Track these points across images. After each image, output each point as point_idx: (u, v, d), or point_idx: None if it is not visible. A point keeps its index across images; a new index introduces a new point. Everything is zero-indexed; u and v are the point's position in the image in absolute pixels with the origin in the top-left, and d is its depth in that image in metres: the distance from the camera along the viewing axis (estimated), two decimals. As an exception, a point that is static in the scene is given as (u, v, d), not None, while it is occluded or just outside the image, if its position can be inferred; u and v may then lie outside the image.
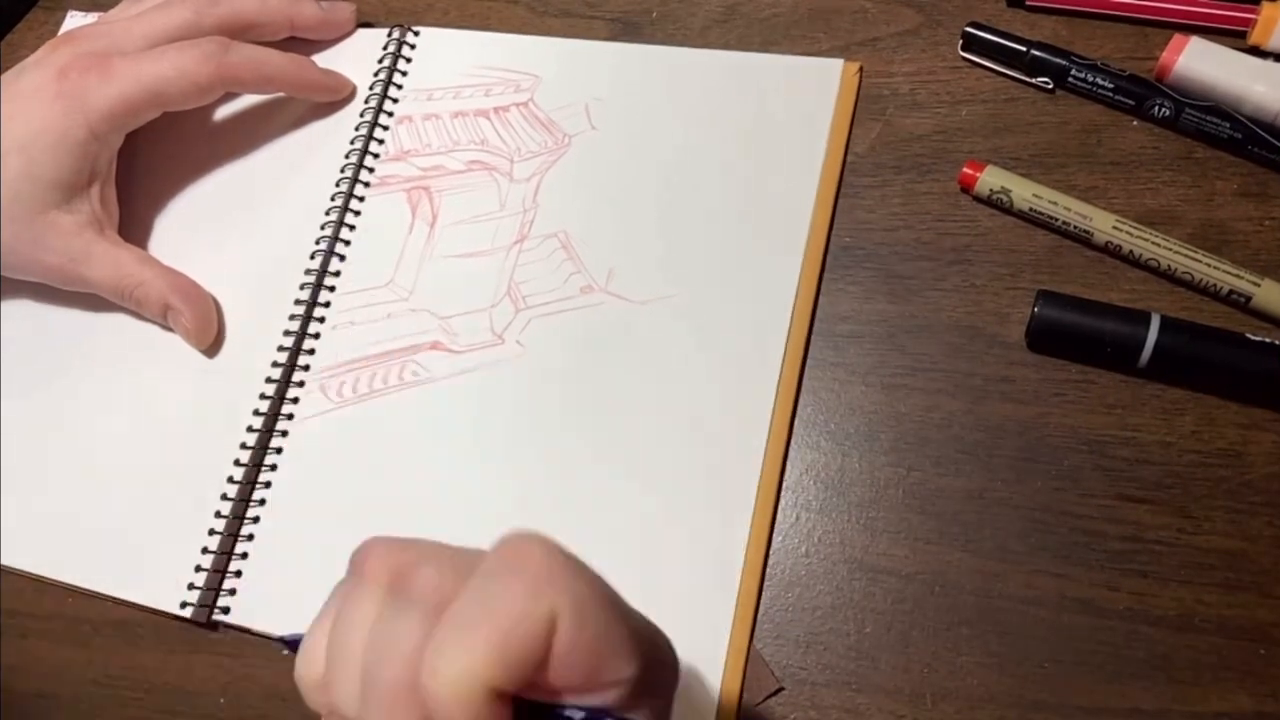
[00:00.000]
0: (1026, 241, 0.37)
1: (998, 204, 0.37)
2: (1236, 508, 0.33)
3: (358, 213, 0.43)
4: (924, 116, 0.40)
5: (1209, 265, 0.34)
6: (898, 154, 0.40)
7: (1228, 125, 0.36)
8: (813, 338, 0.37)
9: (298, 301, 0.42)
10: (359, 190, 0.43)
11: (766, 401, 0.36)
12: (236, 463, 0.39)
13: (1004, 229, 0.38)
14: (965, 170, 0.38)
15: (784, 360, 0.37)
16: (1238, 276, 0.34)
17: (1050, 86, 0.39)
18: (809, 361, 0.37)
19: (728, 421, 0.36)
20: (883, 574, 0.34)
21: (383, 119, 0.45)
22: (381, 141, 0.44)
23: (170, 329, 0.42)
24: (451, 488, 0.38)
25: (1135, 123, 0.38)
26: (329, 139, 0.45)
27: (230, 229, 0.44)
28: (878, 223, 0.39)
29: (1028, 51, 0.39)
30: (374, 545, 0.23)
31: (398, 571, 0.22)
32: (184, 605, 0.37)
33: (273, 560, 0.38)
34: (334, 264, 0.42)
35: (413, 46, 0.46)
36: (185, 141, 0.46)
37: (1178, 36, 0.37)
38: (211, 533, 0.38)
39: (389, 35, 0.46)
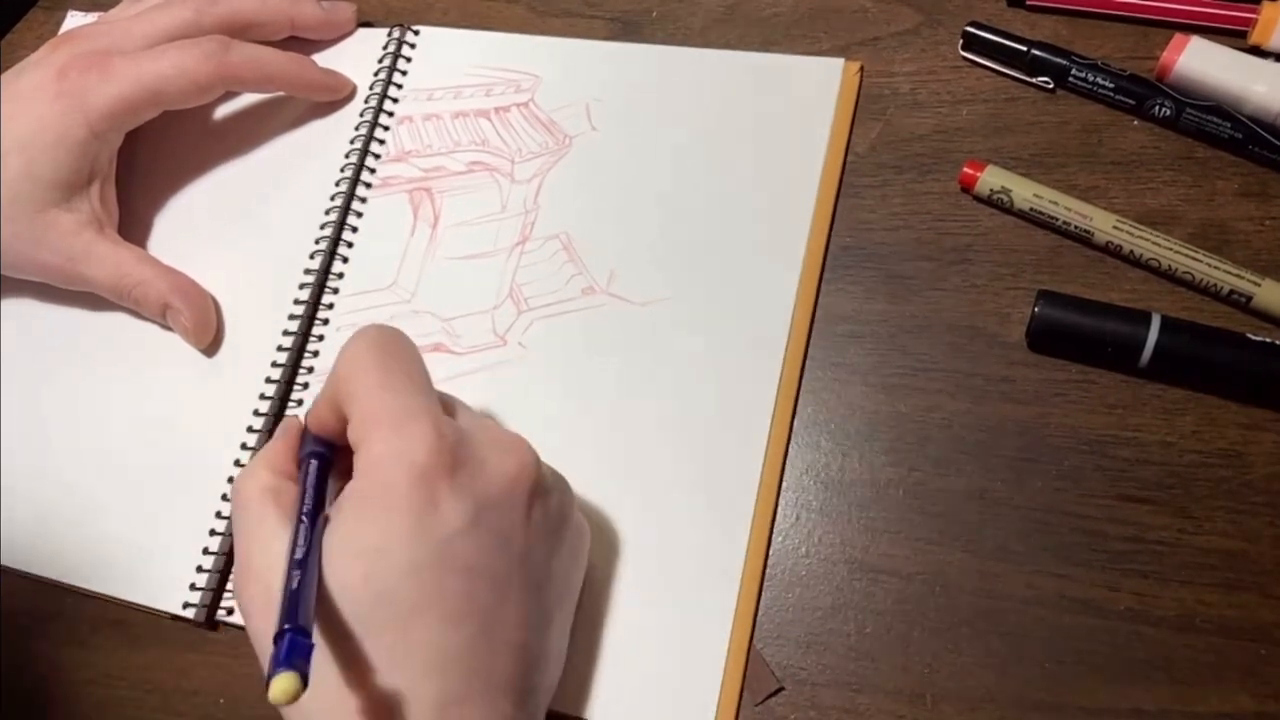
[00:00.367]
0: (1027, 241, 0.37)
1: (998, 204, 0.37)
2: (1237, 508, 0.33)
3: (360, 214, 0.43)
4: (924, 116, 0.40)
5: (1210, 265, 0.34)
6: (898, 154, 0.40)
7: (1228, 125, 0.36)
8: (813, 338, 0.37)
9: (298, 302, 0.42)
10: (361, 191, 0.43)
11: (767, 402, 0.36)
12: (236, 463, 0.39)
13: (1004, 229, 0.38)
14: (965, 170, 0.38)
15: (784, 360, 0.37)
16: (1238, 276, 0.34)
17: (1051, 86, 0.39)
18: (809, 361, 0.37)
19: (728, 421, 0.36)
20: (883, 574, 0.34)
21: (383, 119, 0.45)
22: (382, 142, 0.44)
23: (170, 328, 0.42)
24: (452, 488, 0.37)
25: (1136, 122, 0.38)
26: (329, 139, 0.45)
27: (230, 229, 0.44)
28: (878, 223, 0.39)
29: (1028, 51, 0.39)
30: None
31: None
32: (186, 606, 0.37)
33: (273, 560, 0.38)
34: (336, 265, 0.42)
35: (413, 46, 0.46)
36: (185, 141, 0.46)
37: (1178, 36, 0.37)
38: (212, 533, 0.38)
39: (389, 35, 0.46)
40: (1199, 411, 0.34)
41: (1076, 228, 0.36)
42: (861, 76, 0.41)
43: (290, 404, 0.40)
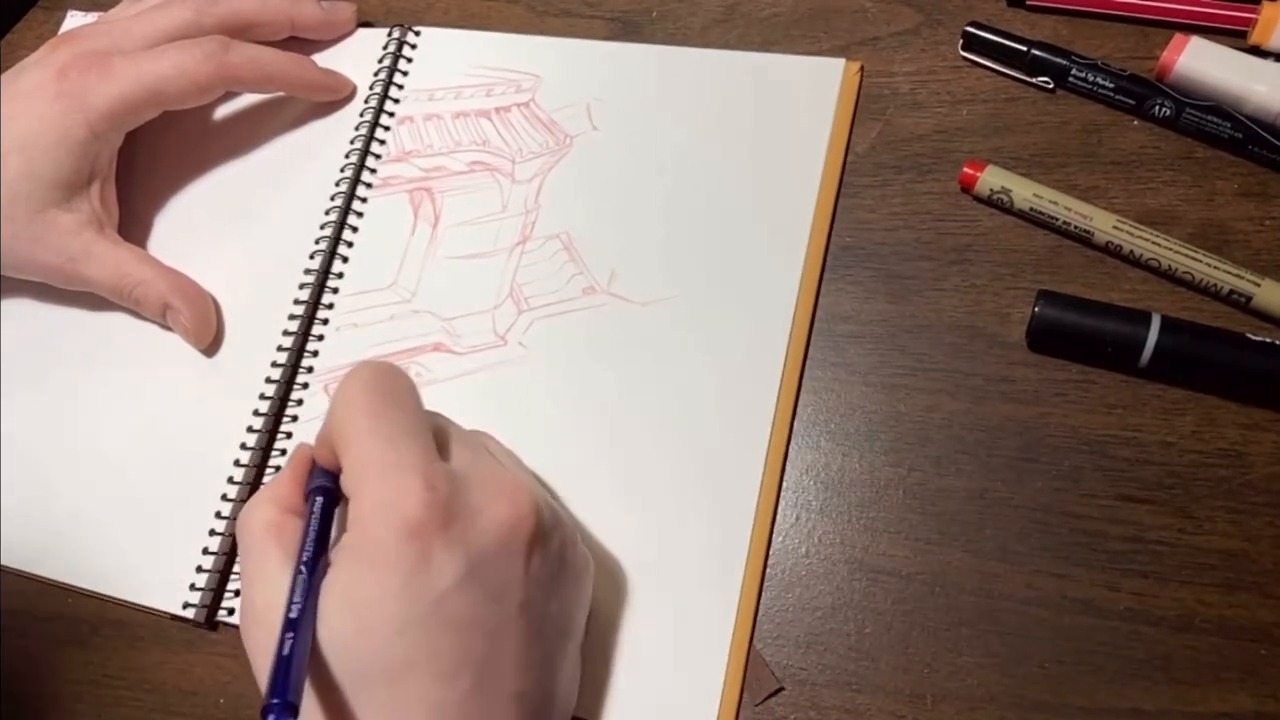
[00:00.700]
0: (1027, 241, 0.37)
1: (998, 204, 0.37)
2: (1237, 508, 0.33)
3: (360, 214, 0.43)
4: (924, 116, 0.40)
5: (1209, 265, 0.34)
6: (898, 154, 0.40)
7: (1228, 125, 0.36)
8: (813, 338, 0.37)
9: (298, 302, 0.42)
10: (361, 191, 0.43)
11: (767, 402, 0.36)
12: (236, 463, 0.39)
13: (1004, 229, 0.38)
14: (965, 170, 0.38)
15: (784, 360, 0.37)
16: (1238, 276, 0.34)
17: (1051, 86, 0.39)
18: (809, 361, 0.37)
19: (728, 422, 0.36)
20: (883, 574, 0.34)
21: (384, 119, 0.45)
22: (383, 142, 0.44)
23: (170, 329, 0.42)
24: (452, 488, 0.37)
25: (1136, 122, 0.38)
26: (329, 139, 0.45)
27: (230, 229, 0.44)
28: (878, 223, 0.39)
29: (1028, 51, 0.39)
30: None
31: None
32: (186, 606, 0.37)
33: (273, 560, 0.38)
34: (336, 265, 0.42)
35: (413, 46, 0.46)
36: (185, 141, 0.46)
37: (1178, 36, 0.37)
38: (212, 533, 0.38)
39: (389, 35, 0.46)
40: (1199, 411, 0.34)
41: (1076, 228, 0.36)
42: (861, 76, 0.41)
43: (290, 404, 0.40)
